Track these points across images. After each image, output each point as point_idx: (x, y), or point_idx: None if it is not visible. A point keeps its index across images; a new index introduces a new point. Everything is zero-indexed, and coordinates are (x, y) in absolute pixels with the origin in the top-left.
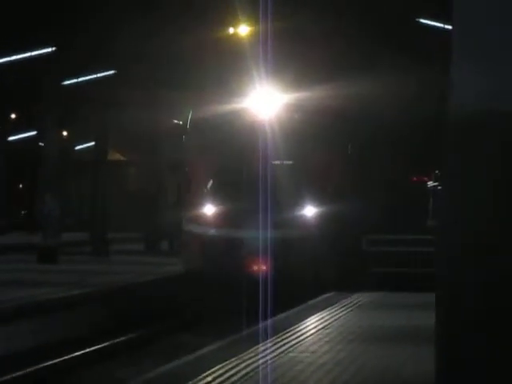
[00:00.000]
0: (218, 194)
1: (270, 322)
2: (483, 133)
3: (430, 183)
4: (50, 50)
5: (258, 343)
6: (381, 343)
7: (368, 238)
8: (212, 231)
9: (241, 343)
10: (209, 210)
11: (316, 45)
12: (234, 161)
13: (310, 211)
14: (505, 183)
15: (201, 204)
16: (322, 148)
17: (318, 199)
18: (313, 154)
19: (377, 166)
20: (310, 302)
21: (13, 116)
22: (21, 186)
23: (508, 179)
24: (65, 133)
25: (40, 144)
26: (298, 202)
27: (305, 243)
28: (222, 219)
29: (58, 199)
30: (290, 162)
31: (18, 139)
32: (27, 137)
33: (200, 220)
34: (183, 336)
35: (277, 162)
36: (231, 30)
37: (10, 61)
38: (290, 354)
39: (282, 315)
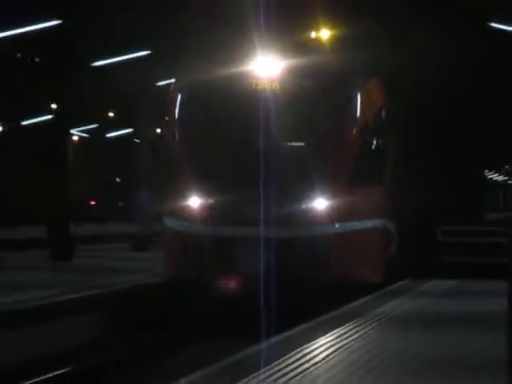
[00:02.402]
0: (207, 182)
1: (344, 309)
2: None
3: (491, 175)
4: (145, 52)
5: (330, 331)
6: (455, 329)
7: (442, 228)
8: (199, 228)
9: (317, 329)
10: (195, 201)
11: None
12: (228, 139)
13: (320, 204)
14: None
15: (185, 194)
16: (336, 125)
17: (331, 188)
18: (327, 133)
19: (417, 151)
20: (386, 290)
21: (111, 114)
22: (117, 179)
23: None
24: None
25: (135, 140)
26: (309, 192)
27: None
28: (212, 213)
29: (151, 192)
30: (301, 144)
31: (117, 136)
32: (124, 134)
33: (184, 214)
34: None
35: (284, 143)
36: None
37: (113, 63)
38: (362, 341)
39: (358, 302)
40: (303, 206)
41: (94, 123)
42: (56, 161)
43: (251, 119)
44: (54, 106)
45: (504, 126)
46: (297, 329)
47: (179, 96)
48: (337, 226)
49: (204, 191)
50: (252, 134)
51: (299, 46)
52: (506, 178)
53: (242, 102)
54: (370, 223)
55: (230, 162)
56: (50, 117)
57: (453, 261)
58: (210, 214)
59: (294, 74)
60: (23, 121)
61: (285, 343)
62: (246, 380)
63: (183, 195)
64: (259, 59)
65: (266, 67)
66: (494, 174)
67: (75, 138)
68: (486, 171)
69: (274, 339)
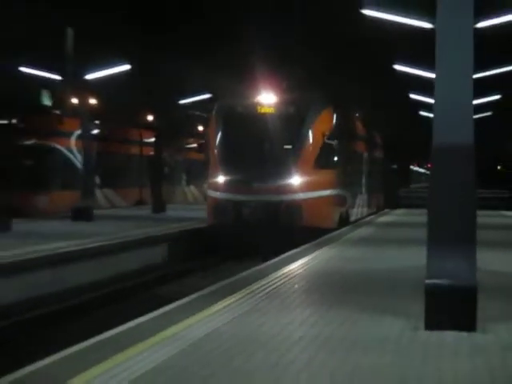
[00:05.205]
0: (230, 168)
1: (356, 224)
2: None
3: (412, 167)
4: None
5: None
6: (408, 228)
7: (400, 190)
8: (224, 195)
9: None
10: (222, 180)
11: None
12: (244, 142)
13: (296, 180)
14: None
15: (217, 175)
16: (306, 135)
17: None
18: (301, 139)
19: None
20: (378, 213)
21: None
22: None
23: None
24: None
25: None
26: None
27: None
28: (231, 186)
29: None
30: (287, 146)
31: None
32: None
33: (217, 187)
34: None
35: (277, 145)
36: None
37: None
38: (377, 232)
39: (363, 220)
40: (286, 182)
41: None
42: None
43: (257, 130)
44: None
45: (424, 138)
46: (296, 249)
47: (217, 114)
48: (306, 193)
49: (228, 174)
50: (257, 139)
51: (288, 86)
52: (426, 170)
53: (252, 119)
54: (327, 192)
55: (244, 156)
56: None
57: (405, 202)
58: (231, 187)
59: (284, 104)
60: None
61: (283, 261)
62: (256, 283)
63: (216, 176)
64: (263, 94)
65: (267, 99)
66: (420, 167)
67: None
68: (415, 166)
69: (272, 260)
